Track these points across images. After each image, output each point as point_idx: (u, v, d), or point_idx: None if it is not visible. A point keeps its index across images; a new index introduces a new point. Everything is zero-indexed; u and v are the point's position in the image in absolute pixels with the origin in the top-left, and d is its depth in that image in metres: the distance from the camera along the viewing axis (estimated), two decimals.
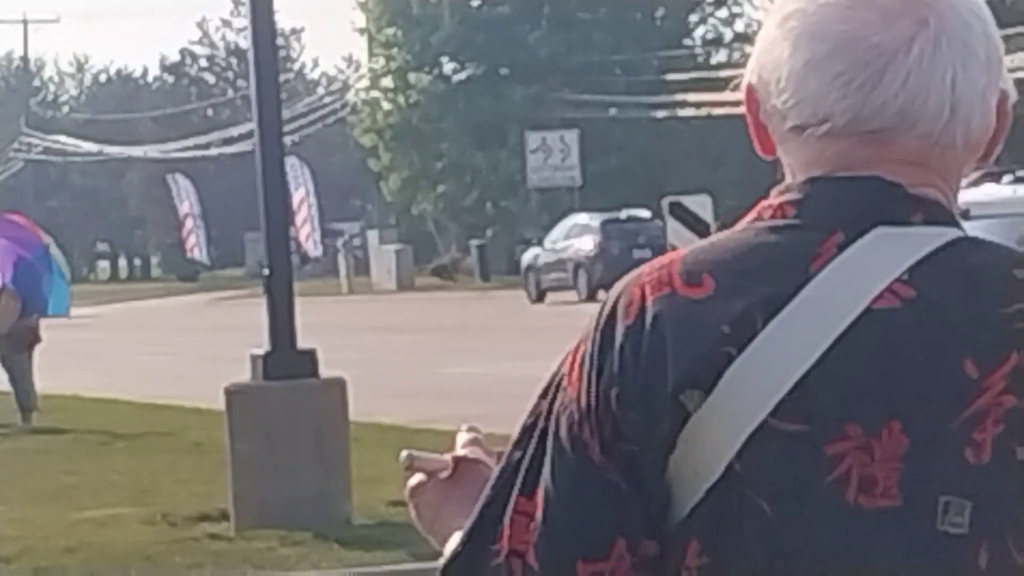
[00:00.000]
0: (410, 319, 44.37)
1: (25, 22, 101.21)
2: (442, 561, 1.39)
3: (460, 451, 1.48)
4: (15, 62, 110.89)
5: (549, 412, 1.29)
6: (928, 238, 1.24)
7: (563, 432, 1.25)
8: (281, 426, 12.52)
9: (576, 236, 49.09)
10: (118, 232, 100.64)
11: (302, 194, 57.66)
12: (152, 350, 35.38)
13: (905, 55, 1.25)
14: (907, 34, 1.26)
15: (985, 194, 10.70)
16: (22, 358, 21.87)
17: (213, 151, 78.54)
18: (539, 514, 1.26)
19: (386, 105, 71.90)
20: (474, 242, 66.08)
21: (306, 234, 59.49)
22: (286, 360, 12.77)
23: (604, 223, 48.37)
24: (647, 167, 65.50)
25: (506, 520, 1.28)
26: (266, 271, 13.21)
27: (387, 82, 71.99)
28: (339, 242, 68.06)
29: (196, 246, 71.67)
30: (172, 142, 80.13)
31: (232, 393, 12.68)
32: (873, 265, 1.23)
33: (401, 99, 70.28)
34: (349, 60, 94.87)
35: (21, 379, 21.92)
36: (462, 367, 25.95)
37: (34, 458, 17.98)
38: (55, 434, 20.00)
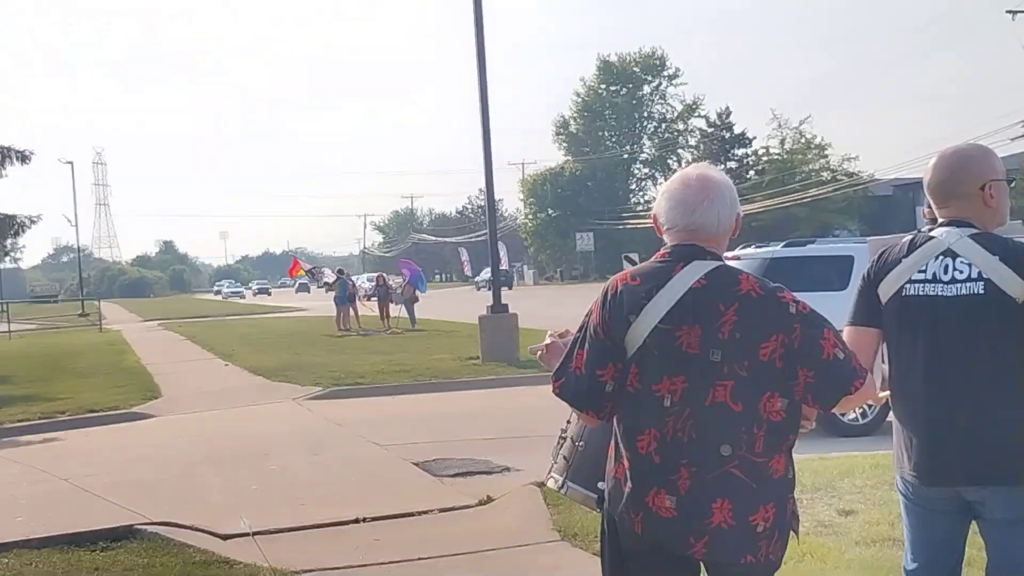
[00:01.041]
0: None
1: None
2: (552, 372, 3.55)
3: (550, 339, 3.80)
4: None
5: (588, 317, 3.45)
6: (701, 266, 3.29)
7: (589, 325, 3.43)
8: None
9: None
10: None
11: None
12: None
13: (696, 205, 3.34)
14: (701, 196, 3.36)
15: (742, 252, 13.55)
16: (413, 307, 35.80)
17: None
18: (583, 353, 3.40)
19: None
20: None
21: None
22: None
23: None
24: None
25: (573, 357, 3.44)
26: None
27: None
28: None
29: None
30: None
31: None
32: (689, 274, 3.26)
33: None
34: None
35: (412, 312, 35.46)
36: None
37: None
38: None
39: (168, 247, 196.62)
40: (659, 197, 3.46)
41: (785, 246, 12.98)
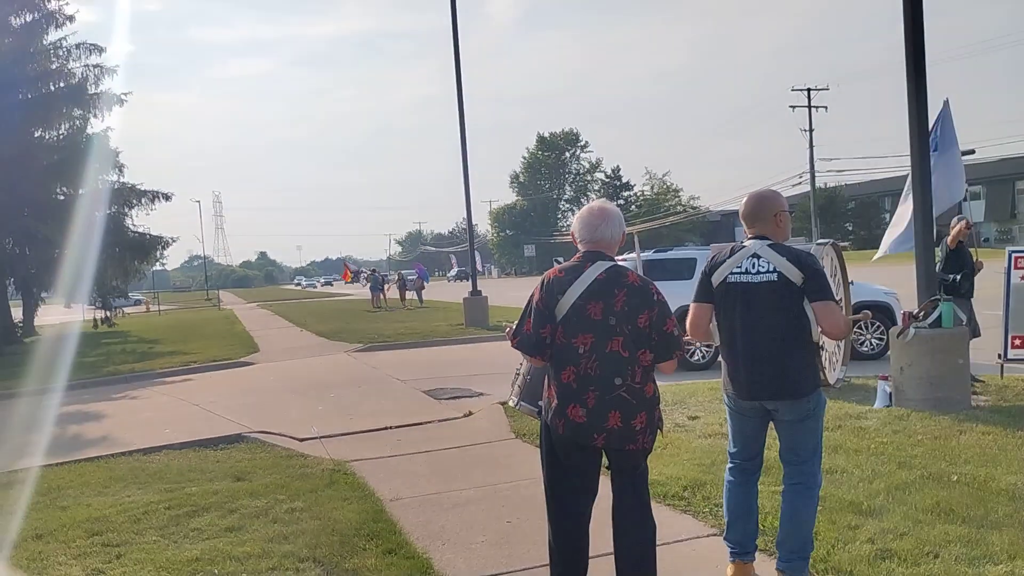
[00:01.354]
0: None
1: None
2: (511, 335, 3.44)
3: (507, 325, 3.55)
4: None
5: (532, 297, 3.37)
6: (602, 265, 3.33)
7: (533, 302, 3.37)
8: None
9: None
10: None
11: None
12: None
13: (597, 226, 3.38)
14: (601, 220, 3.38)
15: (628, 255, 14.99)
16: (421, 292, 35.18)
17: None
18: (531, 320, 3.35)
19: None
20: None
21: None
22: None
23: None
24: None
25: (524, 323, 3.37)
26: None
27: None
28: None
29: None
30: None
31: None
32: (595, 270, 3.33)
33: None
34: None
35: (420, 296, 34.44)
36: None
37: None
38: None
39: (263, 255, 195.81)
40: (575, 221, 3.54)
41: (655, 252, 13.12)
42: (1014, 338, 8.76)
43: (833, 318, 3.51)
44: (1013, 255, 8.88)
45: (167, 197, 26.73)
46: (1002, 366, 8.80)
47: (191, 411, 10.40)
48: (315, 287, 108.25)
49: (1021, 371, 8.89)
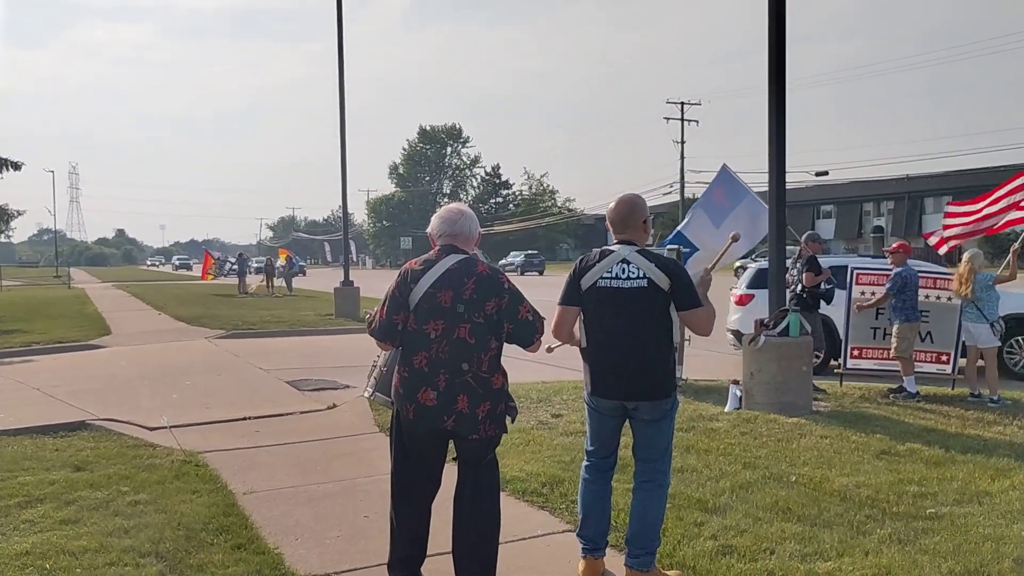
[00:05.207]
0: None
1: None
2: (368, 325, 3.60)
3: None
4: None
5: (389, 288, 3.54)
6: (456, 257, 3.49)
7: (390, 290, 3.55)
8: None
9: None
10: None
11: None
12: None
13: (456, 220, 3.57)
14: (459, 215, 3.60)
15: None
16: (291, 280, 37.14)
17: None
18: (386, 308, 3.53)
19: None
20: None
21: None
22: None
23: None
24: None
25: (380, 311, 3.56)
26: None
27: None
28: None
29: None
30: None
31: None
32: (448, 261, 3.49)
33: None
34: None
35: (290, 283, 36.01)
36: None
37: None
38: None
39: (121, 232, 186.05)
40: (433, 220, 3.70)
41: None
42: (853, 349, 9.42)
43: (703, 326, 3.72)
44: (855, 271, 9.55)
45: (16, 166, 24.95)
46: (841, 375, 9.44)
47: (30, 395, 9.70)
48: (189, 269, 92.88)
49: (859, 380, 9.54)
